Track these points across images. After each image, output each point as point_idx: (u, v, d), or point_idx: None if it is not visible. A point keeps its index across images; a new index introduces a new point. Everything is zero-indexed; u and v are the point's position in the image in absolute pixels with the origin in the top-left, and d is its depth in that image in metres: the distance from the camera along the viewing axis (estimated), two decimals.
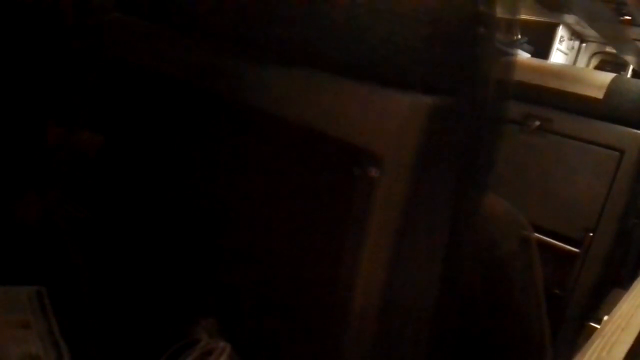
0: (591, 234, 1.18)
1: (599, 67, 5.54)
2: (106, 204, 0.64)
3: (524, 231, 0.62)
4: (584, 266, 1.19)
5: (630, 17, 4.01)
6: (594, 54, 5.63)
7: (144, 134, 0.60)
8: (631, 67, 5.72)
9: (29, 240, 0.62)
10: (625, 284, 1.18)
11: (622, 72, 5.30)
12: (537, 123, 1.23)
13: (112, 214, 0.63)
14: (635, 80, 1.24)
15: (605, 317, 0.65)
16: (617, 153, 1.16)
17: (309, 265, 0.45)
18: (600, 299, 1.20)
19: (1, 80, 0.65)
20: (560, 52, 5.11)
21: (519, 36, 3.52)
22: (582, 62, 5.52)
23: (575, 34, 5.26)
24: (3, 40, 0.65)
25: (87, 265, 0.62)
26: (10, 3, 0.65)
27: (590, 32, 5.06)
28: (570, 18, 4.73)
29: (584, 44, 5.53)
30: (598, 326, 0.94)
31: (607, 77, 1.21)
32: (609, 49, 5.51)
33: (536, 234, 0.65)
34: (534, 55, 3.97)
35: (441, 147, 0.40)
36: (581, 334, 1.12)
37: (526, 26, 4.46)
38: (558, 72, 1.27)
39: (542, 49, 4.74)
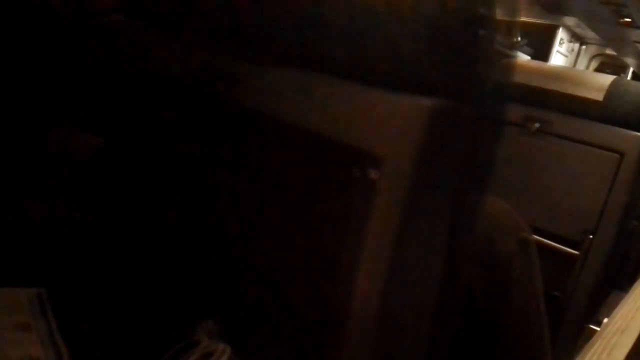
0: (591, 236, 1.17)
1: (598, 70, 5.55)
2: (107, 206, 0.64)
3: (523, 233, 0.62)
4: (583, 268, 1.19)
5: (630, 19, 4.02)
6: (594, 56, 5.64)
7: (145, 136, 0.60)
8: (631, 69, 5.73)
9: (29, 242, 0.62)
10: (625, 286, 1.18)
11: (622, 74, 5.31)
12: (537, 125, 1.23)
13: (113, 216, 0.63)
14: (635, 83, 1.23)
15: (605, 320, 0.65)
16: (617, 155, 1.16)
17: (309, 267, 0.45)
18: (600, 301, 1.20)
19: (1, 82, 0.65)
20: (560, 55, 5.12)
21: (519, 38, 3.52)
22: (582, 65, 5.53)
23: (575, 36, 5.27)
24: (2, 41, 0.65)
25: (87, 267, 0.62)
26: (9, 3, 0.66)
27: (590, 34, 5.07)
28: (570, 20, 4.74)
29: (583, 46, 5.54)
30: (598, 329, 0.94)
31: (607, 79, 1.21)
32: (609, 51, 5.52)
33: (536, 236, 0.64)
34: (533, 57, 3.98)
35: (441, 148, 0.40)
36: (581, 337, 1.11)
37: (526, 28, 4.47)
38: (558, 74, 1.27)
39: (542, 52, 4.75)
